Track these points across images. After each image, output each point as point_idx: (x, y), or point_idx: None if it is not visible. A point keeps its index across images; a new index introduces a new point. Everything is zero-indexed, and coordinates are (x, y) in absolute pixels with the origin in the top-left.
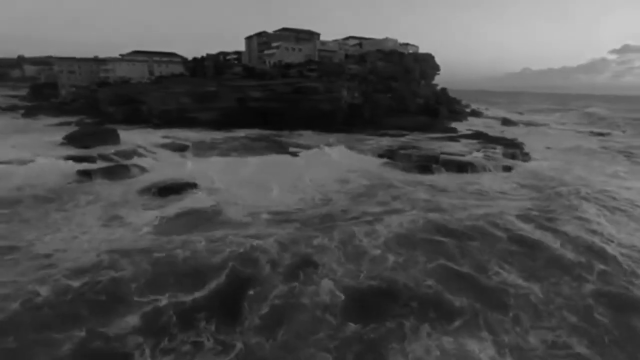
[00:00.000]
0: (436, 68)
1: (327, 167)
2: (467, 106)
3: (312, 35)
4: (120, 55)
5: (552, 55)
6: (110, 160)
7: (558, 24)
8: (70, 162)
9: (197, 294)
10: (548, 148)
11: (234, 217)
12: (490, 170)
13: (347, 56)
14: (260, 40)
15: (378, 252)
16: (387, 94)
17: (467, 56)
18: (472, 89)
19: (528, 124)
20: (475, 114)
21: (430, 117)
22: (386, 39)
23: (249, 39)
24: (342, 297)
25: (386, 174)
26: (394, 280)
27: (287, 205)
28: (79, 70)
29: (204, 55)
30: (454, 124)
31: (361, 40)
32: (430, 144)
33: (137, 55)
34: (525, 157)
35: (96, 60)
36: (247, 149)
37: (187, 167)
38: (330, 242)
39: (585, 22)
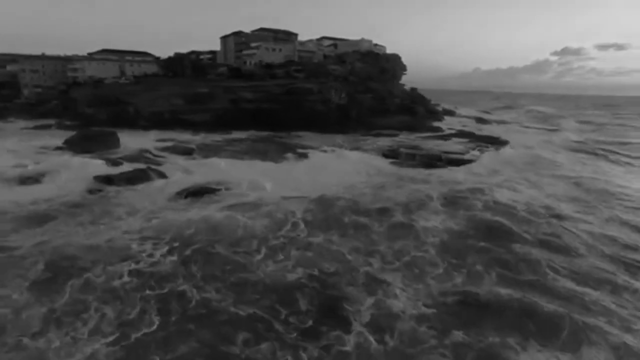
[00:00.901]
0: (403, 68)
1: (350, 166)
2: (437, 105)
3: (289, 36)
4: (88, 54)
5: (500, 56)
6: (121, 165)
7: (506, 26)
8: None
9: (289, 302)
10: (528, 143)
11: (284, 219)
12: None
13: (325, 57)
14: (237, 40)
15: (437, 270)
16: (367, 94)
17: (423, 56)
18: (431, 88)
19: (500, 122)
20: (449, 113)
21: (410, 116)
22: (362, 40)
23: (224, 38)
24: (429, 310)
25: (400, 172)
26: (473, 294)
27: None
28: (43, 70)
29: (172, 54)
30: (435, 124)
31: (335, 41)
32: (425, 143)
33: (107, 54)
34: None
35: (62, 58)
36: (258, 151)
37: (212, 171)
38: (386, 255)
39: (530, 24)
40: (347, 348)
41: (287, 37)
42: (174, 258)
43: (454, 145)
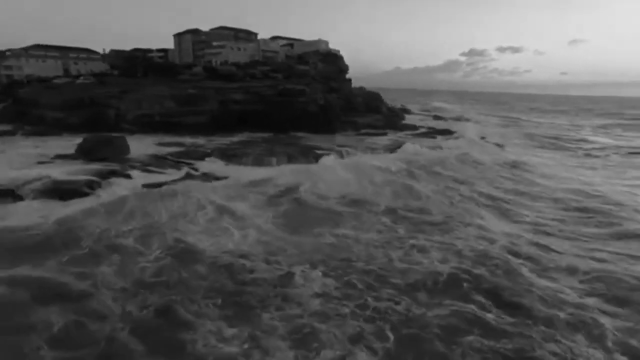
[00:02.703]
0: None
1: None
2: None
3: (249, 35)
4: (22, 49)
5: (418, 56)
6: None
7: (422, 26)
8: None
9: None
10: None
11: (380, 220)
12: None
13: (287, 57)
14: (196, 39)
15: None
16: (332, 94)
17: (349, 55)
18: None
19: (455, 119)
20: (406, 111)
21: (380, 115)
22: (319, 41)
23: (179, 36)
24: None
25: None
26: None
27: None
28: None
29: (108, 51)
30: (407, 122)
31: (290, 41)
32: (420, 142)
33: (44, 50)
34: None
35: None
36: (281, 153)
37: (251, 175)
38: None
39: (442, 26)
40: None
41: (248, 36)
42: (322, 272)
43: (446, 142)
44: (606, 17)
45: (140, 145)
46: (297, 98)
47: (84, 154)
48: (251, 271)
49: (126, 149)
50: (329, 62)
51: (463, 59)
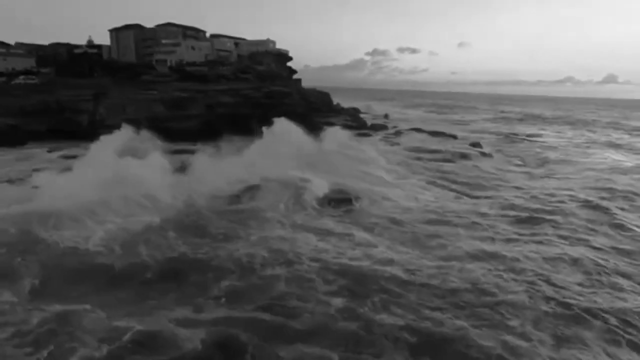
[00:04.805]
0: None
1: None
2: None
3: (198, 32)
4: None
5: (326, 55)
6: None
7: (329, 27)
8: None
9: None
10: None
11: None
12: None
13: (239, 56)
14: (141, 35)
15: None
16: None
17: None
18: None
19: (403, 120)
20: (356, 111)
21: (346, 115)
22: (267, 40)
23: (117, 31)
24: None
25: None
26: None
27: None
28: None
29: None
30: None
31: (236, 40)
32: (398, 140)
33: None
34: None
35: None
36: None
37: None
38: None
39: (348, 26)
40: None
41: (197, 34)
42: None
43: (448, 143)
44: (487, 23)
45: None
46: (283, 100)
47: None
48: (440, 277)
49: None
50: (280, 62)
51: (368, 58)
